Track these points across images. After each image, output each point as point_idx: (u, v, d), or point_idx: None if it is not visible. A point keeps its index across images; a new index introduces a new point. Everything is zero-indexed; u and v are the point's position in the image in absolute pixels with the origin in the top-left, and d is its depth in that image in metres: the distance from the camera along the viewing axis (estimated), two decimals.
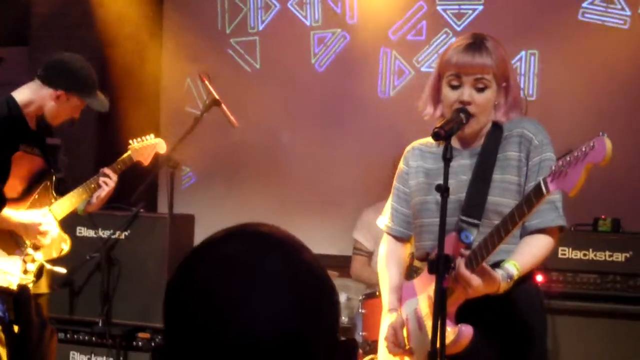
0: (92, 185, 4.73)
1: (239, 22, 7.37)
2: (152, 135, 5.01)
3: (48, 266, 4.64)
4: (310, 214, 6.75)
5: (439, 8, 6.87)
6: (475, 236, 3.37)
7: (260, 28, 7.30)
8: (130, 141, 4.95)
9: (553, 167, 3.09)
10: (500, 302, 3.34)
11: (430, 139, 3.42)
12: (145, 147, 4.94)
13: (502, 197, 3.40)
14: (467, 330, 3.32)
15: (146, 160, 4.95)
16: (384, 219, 3.76)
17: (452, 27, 6.82)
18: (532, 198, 3.13)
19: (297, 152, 7.10)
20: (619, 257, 5.31)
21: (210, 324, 1.33)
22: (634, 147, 6.12)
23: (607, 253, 5.33)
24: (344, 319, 5.89)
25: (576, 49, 6.45)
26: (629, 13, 6.38)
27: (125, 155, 4.88)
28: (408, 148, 3.71)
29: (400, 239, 3.73)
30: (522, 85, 6.48)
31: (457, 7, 6.83)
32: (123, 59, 7.00)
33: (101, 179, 4.74)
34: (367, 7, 6.97)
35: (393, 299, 3.63)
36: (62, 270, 4.73)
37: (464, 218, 3.39)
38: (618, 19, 6.40)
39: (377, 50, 6.96)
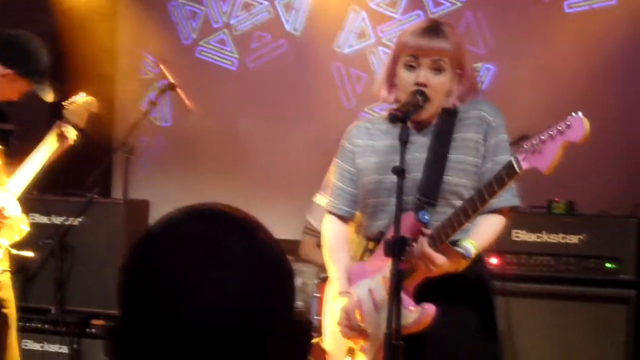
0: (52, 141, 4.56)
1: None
2: (83, 94, 4.84)
3: (14, 251, 4.51)
4: (266, 199, 6.73)
5: (372, 4, 6.87)
6: (432, 215, 3.38)
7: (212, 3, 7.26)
8: (63, 103, 4.77)
9: (526, 145, 3.10)
10: (454, 280, 3.36)
11: (376, 117, 3.41)
12: (78, 106, 4.75)
13: (458, 178, 3.42)
14: (430, 309, 3.33)
15: (82, 122, 4.73)
16: (325, 197, 3.73)
17: (392, 17, 6.82)
18: (503, 177, 3.15)
19: (254, 138, 7.08)
20: (573, 239, 5.34)
21: (168, 306, 1.31)
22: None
23: (561, 235, 5.37)
24: (299, 302, 5.89)
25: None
26: None
27: (56, 123, 4.67)
28: (352, 126, 3.68)
29: (345, 218, 3.69)
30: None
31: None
32: (77, 43, 6.91)
33: (62, 129, 4.60)
34: (313, 19, 6.97)
35: (343, 282, 3.61)
36: (29, 254, 4.62)
37: (420, 198, 3.40)
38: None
39: (326, 62, 6.96)
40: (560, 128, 3.02)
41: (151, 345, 1.32)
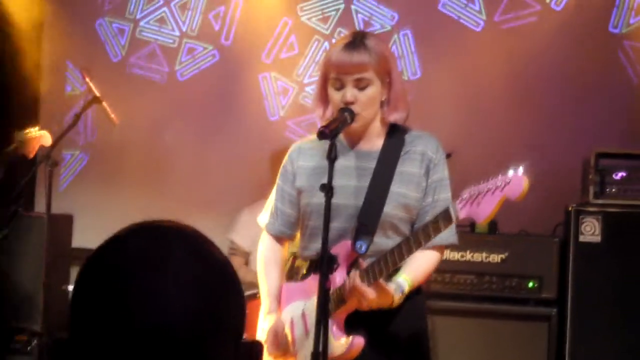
0: None
1: (119, 6, 7.23)
2: (36, 128, 4.89)
3: None
4: (190, 213, 6.67)
5: (303, 19, 6.90)
6: (368, 246, 3.40)
7: (139, 16, 7.19)
8: (16, 133, 4.81)
9: (464, 195, 3.14)
10: (388, 311, 3.38)
11: (314, 138, 3.41)
12: (31, 139, 4.81)
13: (398, 210, 3.44)
14: (359, 341, 3.36)
15: (30, 153, 4.82)
16: (265, 216, 3.73)
17: (321, 33, 6.87)
18: (439, 223, 3.20)
19: (178, 153, 7.04)
20: (495, 258, 5.43)
21: (115, 321, 1.35)
22: (510, 145, 6.27)
23: (484, 254, 5.45)
24: None
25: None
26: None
27: (11, 147, 4.75)
28: (294, 147, 3.68)
29: (281, 239, 3.70)
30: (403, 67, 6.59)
31: (319, 12, 6.88)
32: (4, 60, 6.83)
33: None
34: (244, 30, 6.97)
35: (273, 301, 3.61)
36: None
37: (359, 226, 3.42)
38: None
39: (254, 74, 6.96)
40: (499, 184, 3.07)
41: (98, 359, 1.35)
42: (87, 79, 5.42)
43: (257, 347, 1.50)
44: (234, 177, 6.81)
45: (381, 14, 6.76)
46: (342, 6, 6.84)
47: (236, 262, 6.08)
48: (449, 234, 3.42)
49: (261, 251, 3.73)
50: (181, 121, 7.03)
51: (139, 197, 6.91)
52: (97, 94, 5.33)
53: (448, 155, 6.10)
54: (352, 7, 6.82)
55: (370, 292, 3.26)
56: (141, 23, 7.17)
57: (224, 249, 5.93)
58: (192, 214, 6.71)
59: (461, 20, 6.62)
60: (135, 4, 7.18)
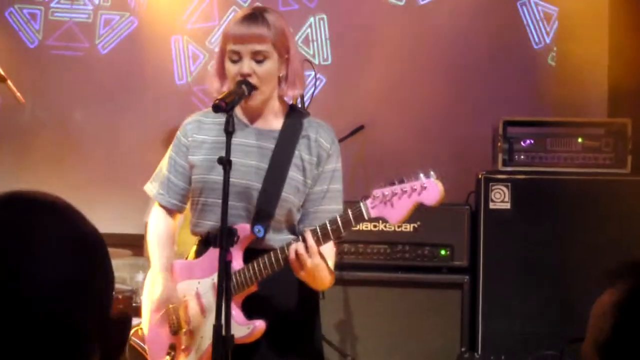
0: None
1: None
2: None
3: None
4: (103, 193, 6.63)
5: None
6: (266, 231, 3.40)
7: None
8: None
9: (377, 194, 3.15)
10: (280, 293, 3.44)
11: (212, 112, 3.35)
12: None
13: (293, 195, 3.44)
14: (261, 325, 3.37)
15: None
16: (155, 186, 3.67)
17: (239, 4, 6.81)
18: (350, 220, 3.23)
19: (90, 132, 6.94)
20: (408, 227, 5.47)
21: None
22: (417, 117, 6.33)
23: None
24: (142, 297, 5.81)
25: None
26: None
27: None
28: (190, 119, 3.64)
29: (172, 211, 3.67)
30: (315, 52, 6.59)
31: None
32: None
33: None
34: None
35: (166, 274, 3.55)
36: None
37: (258, 210, 3.41)
38: None
39: (168, 38, 6.88)
40: (415, 188, 3.09)
41: None
42: None
43: (125, 321, 1.51)
44: (147, 157, 6.74)
45: None
46: None
47: None
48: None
49: (153, 224, 3.68)
50: (94, 96, 6.93)
51: (52, 176, 6.80)
52: (1, 72, 5.22)
53: (360, 127, 6.21)
54: None
55: (317, 256, 3.24)
56: (52, 4, 7.03)
57: (137, 227, 5.90)
58: (106, 193, 6.66)
59: None
60: None
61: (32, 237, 1.38)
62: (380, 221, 5.46)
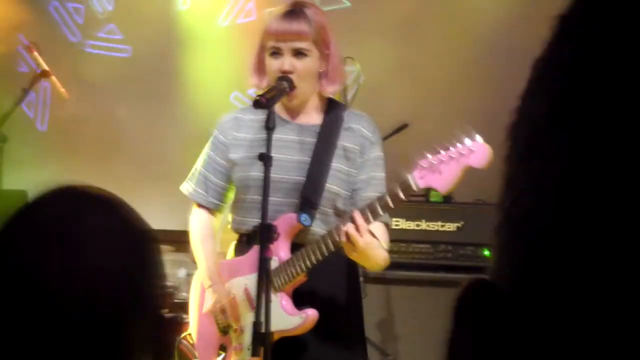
0: None
1: None
2: None
3: None
4: (146, 188, 6.64)
5: None
6: (312, 220, 3.36)
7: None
8: None
9: (424, 164, 3.07)
10: (325, 285, 3.41)
11: (251, 108, 3.34)
12: None
13: (338, 187, 3.41)
14: (313, 314, 3.33)
15: None
16: (190, 186, 3.65)
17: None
18: (398, 193, 3.13)
19: (133, 127, 6.96)
20: (451, 227, 5.43)
21: (27, 291, 1.32)
22: (459, 117, 6.27)
23: (439, 223, 5.45)
24: (184, 294, 5.82)
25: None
26: None
27: None
28: (226, 117, 3.61)
29: (213, 211, 3.64)
30: None
31: None
32: None
33: None
34: None
35: (214, 274, 3.54)
36: None
37: (303, 200, 3.38)
38: None
39: (211, 36, 6.89)
40: (462, 152, 3.01)
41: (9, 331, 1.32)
42: (36, 54, 5.34)
43: (174, 322, 1.48)
44: (190, 153, 6.75)
45: None
46: None
47: None
48: (387, 215, 3.38)
49: (195, 224, 3.66)
50: (134, 93, 6.96)
51: (94, 171, 6.82)
52: (46, 68, 5.25)
53: (405, 126, 6.16)
54: None
55: (369, 234, 3.15)
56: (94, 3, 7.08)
57: (181, 224, 5.91)
58: (149, 188, 6.68)
59: None
60: None
61: (83, 230, 1.37)
62: (423, 220, 5.43)
